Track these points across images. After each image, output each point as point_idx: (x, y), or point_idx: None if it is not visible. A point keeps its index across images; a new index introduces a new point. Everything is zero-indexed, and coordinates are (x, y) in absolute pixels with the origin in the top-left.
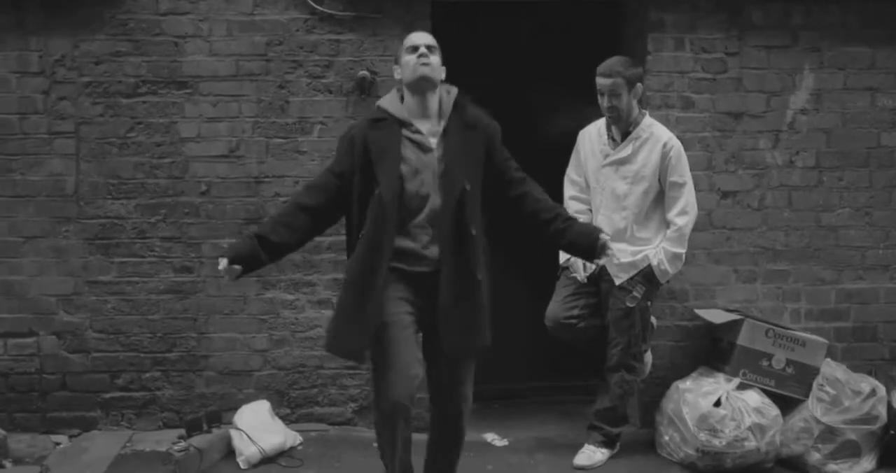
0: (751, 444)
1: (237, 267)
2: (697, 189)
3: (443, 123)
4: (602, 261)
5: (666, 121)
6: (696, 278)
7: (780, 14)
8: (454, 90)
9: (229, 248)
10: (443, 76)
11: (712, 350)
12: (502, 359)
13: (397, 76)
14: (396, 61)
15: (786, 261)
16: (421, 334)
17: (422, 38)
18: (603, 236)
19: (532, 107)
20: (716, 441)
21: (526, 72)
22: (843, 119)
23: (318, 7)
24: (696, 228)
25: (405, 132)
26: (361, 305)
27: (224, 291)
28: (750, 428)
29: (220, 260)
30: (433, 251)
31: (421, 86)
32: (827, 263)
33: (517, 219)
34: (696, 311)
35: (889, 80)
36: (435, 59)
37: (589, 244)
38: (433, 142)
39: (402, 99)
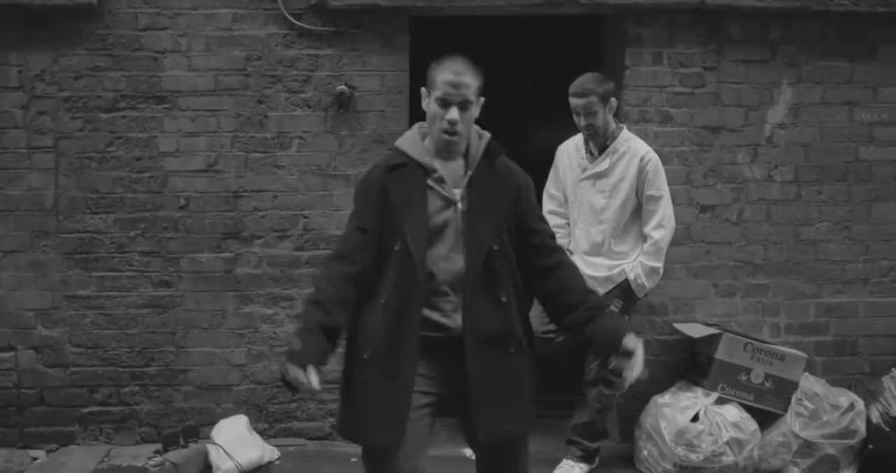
0: (728, 459)
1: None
2: (676, 203)
3: (469, 173)
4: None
5: (644, 136)
6: (676, 292)
7: (758, 28)
8: (486, 135)
9: (299, 354)
10: (477, 113)
11: (691, 364)
12: None
13: (424, 106)
14: (427, 86)
15: (765, 275)
16: (455, 417)
17: (458, 87)
18: (629, 341)
19: (513, 122)
20: (693, 456)
21: (506, 87)
22: (821, 133)
23: (296, 22)
24: (675, 242)
25: (429, 180)
26: (391, 387)
27: (202, 305)
28: (728, 443)
29: (305, 374)
30: (456, 320)
31: (444, 150)
32: (806, 277)
33: (535, 291)
34: (676, 325)
35: (867, 95)
36: (469, 114)
37: (611, 343)
38: (457, 194)
39: (423, 137)
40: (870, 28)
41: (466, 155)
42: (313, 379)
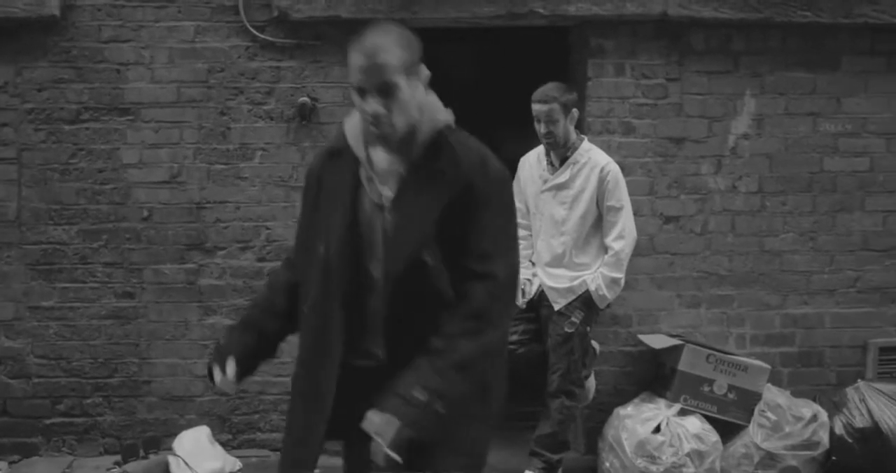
0: (689, 471)
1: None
2: (640, 214)
3: (404, 165)
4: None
5: (607, 147)
6: (640, 303)
7: (721, 40)
8: (440, 122)
9: (219, 348)
10: (414, 94)
11: (656, 375)
12: None
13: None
14: None
15: (730, 286)
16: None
17: (371, 71)
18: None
19: (478, 133)
20: (653, 468)
21: (473, 98)
22: (785, 144)
23: (259, 35)
24: (639, 253)
25: (361, 172)
26: (308, 413)
27: (165, 317)
28: (688, 455)
29: (223, 367)
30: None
31: (375, 141)
32: (771, 288)
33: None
34: (640, 337)
35: (830, 105)
36: (399, 98)
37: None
38: (387, 193)
39: None
40: (833, 39)
41: (410, 145)
42: (229, 370)
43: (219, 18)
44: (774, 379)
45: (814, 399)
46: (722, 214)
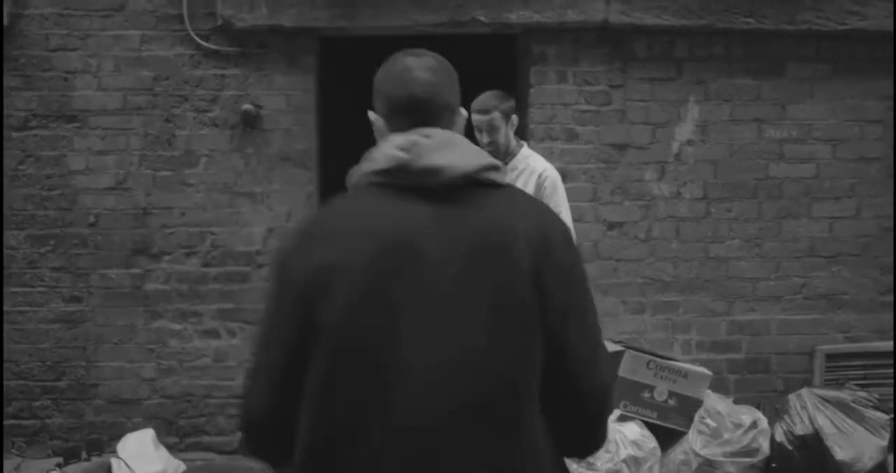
0: None
1: None
2: (583, 220)
3: None
4: None
5: (550, 153)
6: None
7: (664, 47)
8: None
9: None
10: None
11: None
12: None
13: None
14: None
15: (675, 292)
16: None
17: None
18: None
19: None
20: None
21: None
22: (730, 150)
23: (203, 43)
24: (583, 259)
25: None
26: None
27: (112, 321)
28: (625, 461)
29: None
30: None
31: None
32: (717, 294)
33: None
34: None
35: (776, 112)
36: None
37: None
38: None
39: None
40: (777, 46)
41: None
42: None
43: (164, 27)
44: (721, 386)
45: (758, 406)
46: (666, 220)
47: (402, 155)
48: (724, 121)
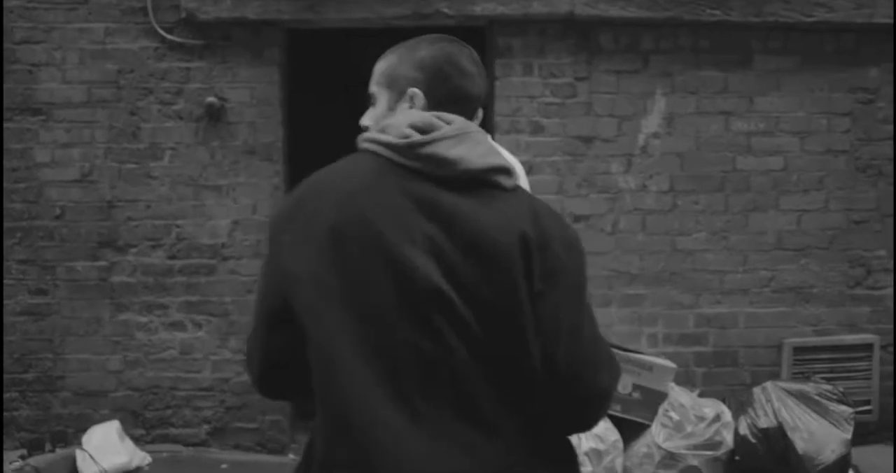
0: (586, 469)
1: None
2: None
3: None
4: None
5: (515, 146)
6: None
7: (630, 39)
8: None
9: None
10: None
11: None
12: None
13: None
14: None
15: (641, 285)
16: None
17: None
18: None
19: None
20: None
21: None
22: (696, 143)
23: (167, 36)
24: None
25: None
26: None
27: (78, 313)
28: (587, 453)
29: None
30: None
31: None
32: (684, 287)
33: None
34: None
35: (743, 104)
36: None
37: None
38: None
39: None
40: (744, 38)
41: None
42: None
43: (128, 20)
44: (688, 379)
45: (723, 400)
46: (632, 213)
47: (415, 135)
48: (691, 113)
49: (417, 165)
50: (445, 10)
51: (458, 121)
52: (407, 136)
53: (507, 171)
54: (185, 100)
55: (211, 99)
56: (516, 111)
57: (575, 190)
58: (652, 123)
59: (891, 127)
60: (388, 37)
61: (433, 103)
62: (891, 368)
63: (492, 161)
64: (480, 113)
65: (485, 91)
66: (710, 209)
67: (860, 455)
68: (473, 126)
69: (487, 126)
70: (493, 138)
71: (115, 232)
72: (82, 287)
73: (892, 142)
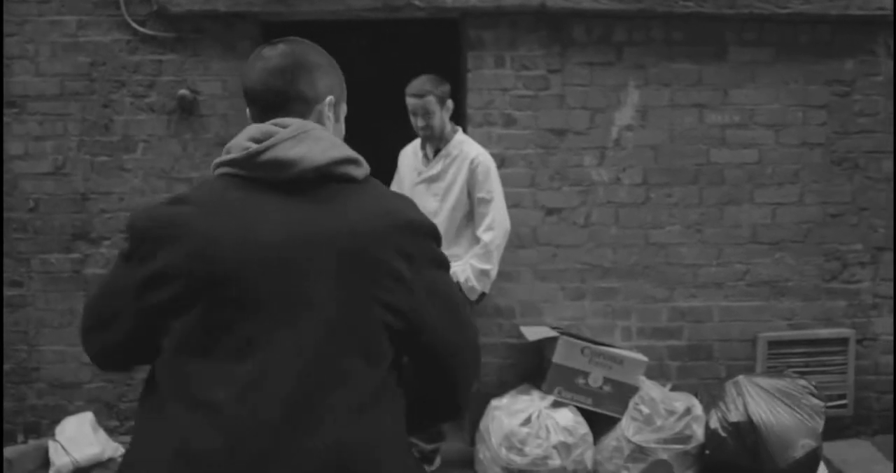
0: (555, 463)
1: None
2: (521, 206)
3: None
4: None
5: (487, 139)
6: (523, 295)
7: (603, 30)
8: None
9: None
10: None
11: (537, 367)
12: None
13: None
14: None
15: (615, 279)
16: None
17: None
18: None
19: (371, 126)
20: (519, 460)
21: (363, 91)
22: (670, 136)
23: (139, 28)
24: (521, 245)
25: None
26: None
27: (53, 305)
28: (555, 447)
29: None
30: None
31: None
32: (658, 281)
33: None
34: (521, 328)
35: (717, 97)
36: None
37: None
38: None
39: None
40: (718, 30)
41: None
42: None
43: (100, 13)
44: (663, 373)
45: (696, 394)
46: (605, 206)
47: (252, 145)
48: (664, 106)
49: (261, 174)
50: (416, 3)
51: (295, 123)
52: (246, 149)
53: (354, 162)
54: (157, 92)
55: (183, 91)
56: (488, 104)
57: (547, 183)
58: (625, 116)
59: (867, 119)
60: (368, 29)
61: (258, 111)
62: (867, 362)
63: (335, 154)
64: (450, 104)
65: (308, 88)
66: (683, 202)
67: (835, 449)
68: (311, 125)
69: (460, 119)
70: (466, 131)
71: (89, 224)
72: (56, 279)
73: (868, 134)
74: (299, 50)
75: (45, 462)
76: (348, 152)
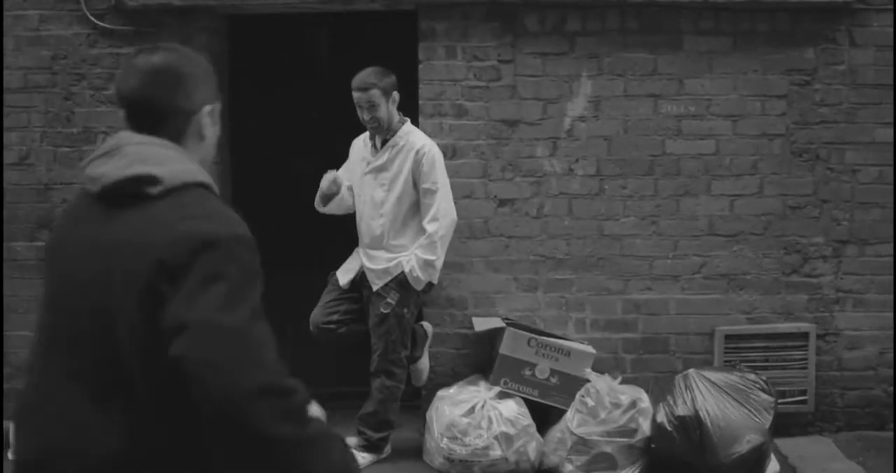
0: (496, 453)
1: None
2: (473, 197)
3: None
4: None
5: (439, 130)
6: (476, 286)
7: (556, 20)
8: None
9: None
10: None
11: (490, 358)
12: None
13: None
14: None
15: (568, 270)
16: None
17: None
18: None
19: (329, 118)
20: (459, 450)
21: (324, 83)
22: (624, 126)
23: (98, 22)
24: (473, 236)
25: None
26: None
27: (17, 291)
28: (497, 437)
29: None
30: None
31: None
32: (612, 273)
33: None
34: (473, 319)
35: (672, 87)
36: None
37: None
38: None
39: None
40: (673, 18)
41: None
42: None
43: (61, 7)
44: (617, 366)
45: (647, 387)
46: (558, 197)
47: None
48: (618, 96)
49: (88, 188)
50: None
51: (118, 136)
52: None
53: (148, 180)
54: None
55: None
56: (440, 95)
57: (499, 174)
58: (578, 106)
59: (828, 109)
60: (326, 21)
61: (130, 119)
62: (829, 358)
63: (128, 172)
64: (396, 96)
65: (182, 100)
66: (638, 194)
67: (794, 445)
68: (131, 139)
69: (412, 110)
70: (417, 122)
71: (52, 213)
72: (21, 266)
73: (829, 125)
74: (170, 59)
75: (4, 443)
76: (143, 169)
